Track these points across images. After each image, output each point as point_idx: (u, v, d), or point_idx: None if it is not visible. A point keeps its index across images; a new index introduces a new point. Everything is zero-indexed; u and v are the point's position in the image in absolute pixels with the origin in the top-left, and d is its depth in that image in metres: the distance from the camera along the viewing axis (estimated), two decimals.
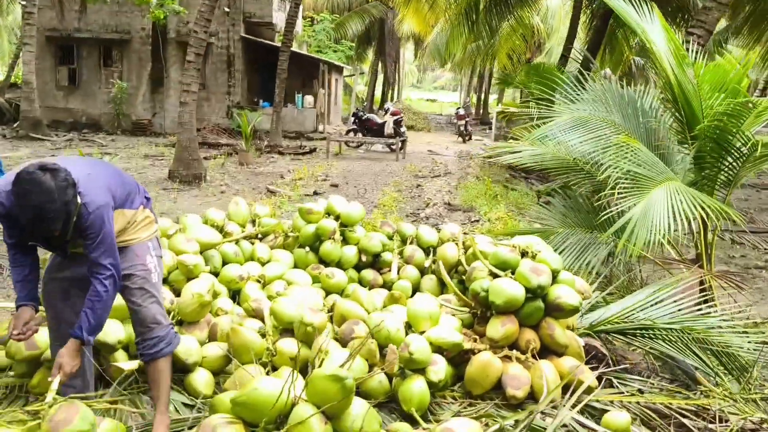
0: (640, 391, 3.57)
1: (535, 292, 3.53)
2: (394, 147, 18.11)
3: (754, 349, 3.83)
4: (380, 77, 38.78)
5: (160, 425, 2.82)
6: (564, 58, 16.24)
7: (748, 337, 3.96)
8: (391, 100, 39.86)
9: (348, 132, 19.88)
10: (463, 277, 4.20)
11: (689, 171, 5.29)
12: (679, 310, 4.16)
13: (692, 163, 5.12)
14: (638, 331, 3.99)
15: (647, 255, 5.06)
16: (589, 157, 5.61)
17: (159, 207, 8.91)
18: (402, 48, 41.82)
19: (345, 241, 4.70)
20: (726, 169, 5.11)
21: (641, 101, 5.73)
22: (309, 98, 22.74)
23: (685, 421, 3.28)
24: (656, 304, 4.21)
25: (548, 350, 3.60)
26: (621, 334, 4.08)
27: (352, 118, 20.37)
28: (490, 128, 29.20)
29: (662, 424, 3.27)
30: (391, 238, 4.81)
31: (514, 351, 3.50)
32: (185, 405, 3.23)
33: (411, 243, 4.77)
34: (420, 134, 26.12)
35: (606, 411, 3.22)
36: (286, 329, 3.54)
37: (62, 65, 22.06)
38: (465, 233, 4.70)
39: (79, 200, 2.50)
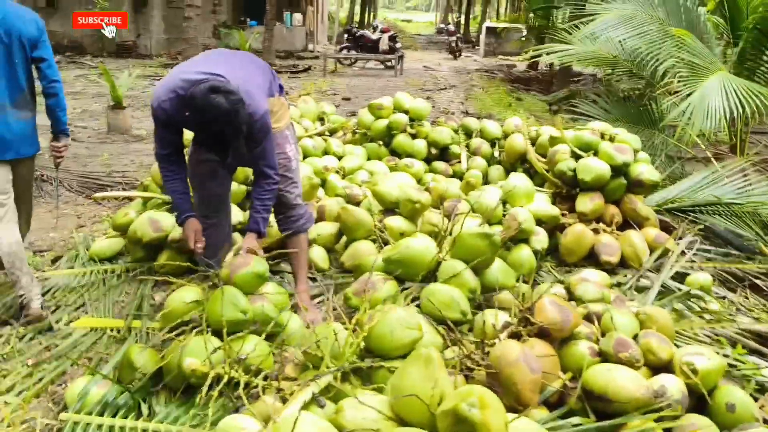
0: (709, 260, 3.91)
1: (619, 169, 3.79)
2: (389, 63, 17.95)
3: None
4: None
5: (302, 291, 3.09)
6: None
7: None
8: (369, 20, 39.04)
9: (341, 49, 19.53)
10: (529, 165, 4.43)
11: (730, 65, 5.51)
12: (723, 192, 4.47)
13: (737, 55, 5.34)
14: (702, 208, 4.29)
15: (685, 147, 5.34)
16: (634, 54, 5.81)
17: None
18: None
19: (414, 135, 4.89)
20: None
21: None
22: (298, 16, 22.21)
23: (758, 282, 3.64)
24: (708, 186, 4.53)
25: (628, 224, 3.89)
26: (682, 212, 4.38)
27: (346, 35, 20.01)
28: (473, 46, 28.97)
29: (737, 285, 3.62)
30: (456, 132, 5.00)
31: (601, 224, 3.78)
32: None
33: (476, 136, 4.97)
34: (409, 52, 25.74)
35: (686, 275, 3.55)
36: (387, 209, 3.76)
37: None
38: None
39: (246, 111, 2.54)
